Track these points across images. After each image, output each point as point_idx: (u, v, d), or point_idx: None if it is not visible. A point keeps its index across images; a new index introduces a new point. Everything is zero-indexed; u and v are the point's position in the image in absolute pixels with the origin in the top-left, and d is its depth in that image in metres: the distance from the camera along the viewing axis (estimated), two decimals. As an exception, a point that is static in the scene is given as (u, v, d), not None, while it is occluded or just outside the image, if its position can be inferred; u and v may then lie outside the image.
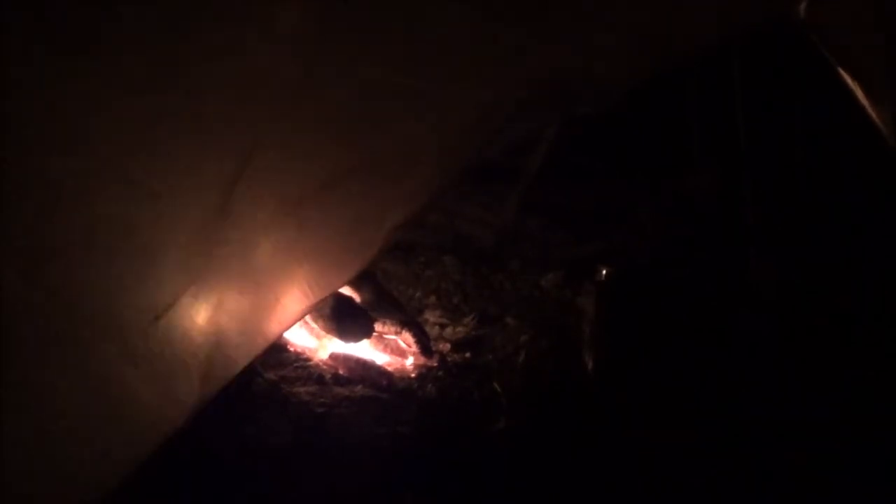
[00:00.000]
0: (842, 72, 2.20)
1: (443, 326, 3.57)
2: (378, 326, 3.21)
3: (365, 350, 3.21)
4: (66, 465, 1.65)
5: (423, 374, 3.13)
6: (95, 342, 1.65)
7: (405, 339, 3.26)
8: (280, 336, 2.15)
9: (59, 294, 1.60)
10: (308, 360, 3.09)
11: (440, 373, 3.15)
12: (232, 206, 1.75)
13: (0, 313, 1.55)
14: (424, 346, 3.24)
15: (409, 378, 3.10)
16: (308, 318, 2.99)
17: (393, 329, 3.25)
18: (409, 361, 3.23)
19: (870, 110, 2.17)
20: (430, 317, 3.67)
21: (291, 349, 3.04)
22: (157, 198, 1.67)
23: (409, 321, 3.31)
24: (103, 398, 1.68)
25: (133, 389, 1.70)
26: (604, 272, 3.18)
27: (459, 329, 3.56)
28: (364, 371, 3.07)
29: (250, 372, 2.62)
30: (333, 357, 3.15)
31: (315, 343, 3.18)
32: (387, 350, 3.25)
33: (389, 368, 3.16)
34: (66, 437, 1.65)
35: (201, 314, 1.79)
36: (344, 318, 3.00)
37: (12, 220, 1.55)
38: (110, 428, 1.70)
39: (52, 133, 1.56)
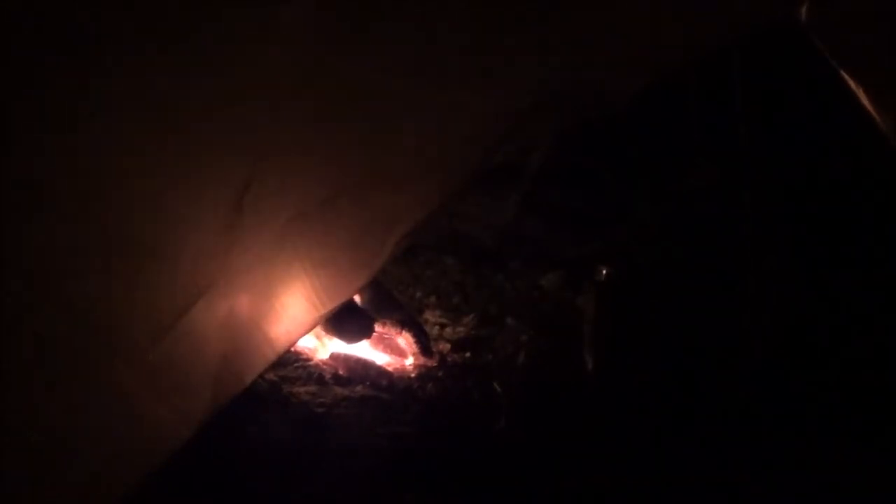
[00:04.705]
0: (843, 72, 2.20)
1: (443, 326, 3.58)
2: (378, 326, 3.21)
3: (365, 350, 3.21)
4: (71, 479, 1.65)
5: (423, 374, 3.14)
6: (104, 355, 1.64)
7: (405, 339, 3.26)
8: (290, 347, 2.16)
9: (67, 306, 1.60)
10: (308, 360, 3.09)
11: (440, 373, 3.15)
12: (240, 218, 1.75)
13: (7, 325, 1.54)
14: (424, 346, 3.24)
15: (409, 378, 3.10)
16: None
17: (393, 329, 3.26)
18: (409, 361, 3.23)
19: (871, 110, 2.17)
20: (430, 317, 3.67)
21: (292, 349, 3.04)
22: (166, 211, 1.67)
23: (409, 321, 3.31)
24: (111, 412, 1.68)
25: (142, 403, 1.69)
26: (604, 272, 3.17)
27: (459, 329, 3.56)
28: (364, 371, 3.07)
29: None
30: (333, 357, 3.15)
31: (315, 343, 3.18)
32: (387, 350, 3.26)
33: (389, 368, 3.16)
34: (73, 451, 1.65)
35: (211, 327, 1.78)
36: (344, 318, 3.00)
37: (19, 233, 1.55)
38: (118, 442, 1.70)
39: (61, 146, 1.56)
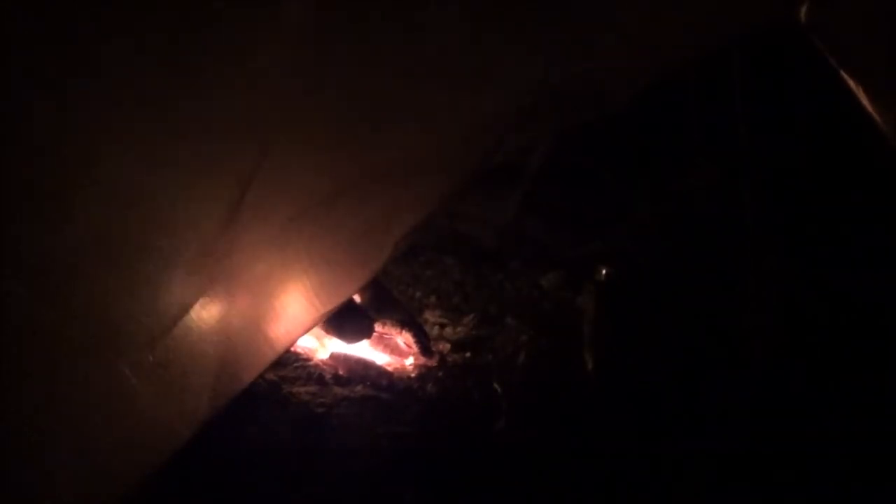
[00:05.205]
0: (843, 72, 2.20)
1: (443, 326, 3.58)
2: (378, 326, 3.21)
3: (365, 350, 3.21)
4: (71, 479, 1.65)
5: (423, 374, 3.13)
6: (103, 355, 1.64)
7: (405, 339, 3.26)
8: (288, 347, 2.16)
9: (65, 306, 1.59)
10: (308, 360, 3.09)
11: (440, 373, 3.15)
12: (239, 217, 1.75)
13: (6, 325, 1.54)
14: (424, 346, 3.24)
15: (409, 378, 3.10)
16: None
17: (393, 329, 3.25)
18: (409, 361, 3.23)
19: (871, 111, 2.17)
20: (430, 317, 3.67)
21: (291, 349, 3.04)
22: (165, 210, 1.67)
23: (409, 321, 3.31)
24: (110, 412, 1.68)
25: (141, 404, 1.69)
26: (604, 272, 3.17)
27: (459, 329, 3.56)
28: (364, 371, 3.07)
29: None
30: (333, 357, 3.15)
31: (315, 343, 3.18)
32: (387, 350, 3.25)
33: (389, 368, 3.16)
34: (72, 451, 1.64)
35: (210, 326, 1.78)
36: (344, 318, 3.00)
37: (19, 232, 1.55)
38: (116, 443, 1.69)
39: (59, 145, 1.55)
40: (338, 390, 2.91)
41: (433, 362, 3.22)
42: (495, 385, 3.05)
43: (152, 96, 1.60)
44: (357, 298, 3.20)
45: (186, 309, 1.73)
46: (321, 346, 3.18)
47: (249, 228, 1.79)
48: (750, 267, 3.16)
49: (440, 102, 1.89)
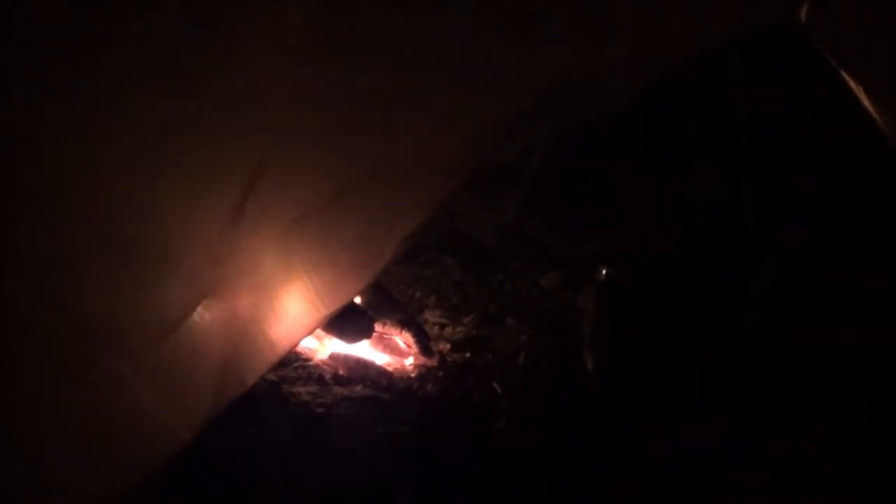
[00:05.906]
0: (843, 73, 2.20)
1: (443, 326, 3.57)
2: (378, 326, 3.21)
3: (365, 350, 3.21)
4: (72, 479, 1.65)
5: (423, 374, 3.14)
6: (104, 357, 1.64)
7: (405, 339, 3.26)
8: (291, 349, 2.16)
9: (67, 308, 1.59)
10: (308, 360, 3.09)
11: (440, 373, 3.15)
12: (242, 220, 1.75)
13: (7, 327, 1.54)
14: (424, 346, 3.24)
15: (409, 378, 3.10)
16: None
17: (393, 329, 3.26)
18: (409, 361, 3.23)
19: (871, 111, 2.17)
20: (430, 317, 3.67)
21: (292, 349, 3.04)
22: (168, 212, 1.67)
23: (409, 321, 3.31)
24: (110, 413, 1.68)
25: (142, 405, 1.69)
26: (604, 272, 3.18)
27: (459, 329, 3.56)
28: (364, 371, 3.07)
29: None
30: (333, 357, 3.15)
31: (315, 343, 3.18)
32: (387, 350, 3.26)
33: (389, 368, 3.16)
34: (74, 451, 1.65)
35: (212, 329, 1.79)
36: (344, 319, 3.00)
37: (21, 233, 1.55)
38: (117, 443, 1.70)
39: (59, 145, 1.55)
40: (338, 390, 2.91)
41: (433, 362, 3.22)
42: (495, 385, 3.05)
43: (152, 96, 1.60)
44: (357, 298, 3.20)
45: (189, 311, 1.73)
46: (321, 347, 3.18)
47: (252, 230, 1.79)
48: (750, 267, 3.16)
49: (440, 102, 1.89)
